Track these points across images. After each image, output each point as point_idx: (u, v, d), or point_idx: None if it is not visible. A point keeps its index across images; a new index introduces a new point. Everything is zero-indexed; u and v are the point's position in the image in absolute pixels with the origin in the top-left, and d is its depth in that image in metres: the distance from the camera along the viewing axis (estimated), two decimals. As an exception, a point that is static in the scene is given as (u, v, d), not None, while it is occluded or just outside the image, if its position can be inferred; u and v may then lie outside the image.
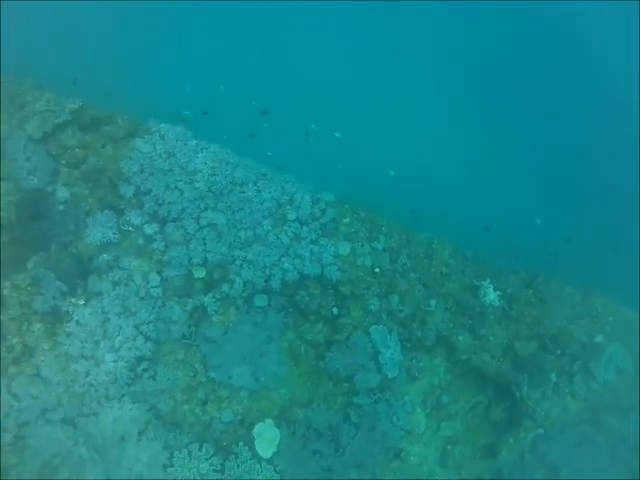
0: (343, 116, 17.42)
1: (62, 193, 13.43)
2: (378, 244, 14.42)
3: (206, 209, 13.66)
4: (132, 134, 14.17)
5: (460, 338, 14.47)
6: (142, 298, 13.04)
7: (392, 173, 16.53)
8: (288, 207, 14.14)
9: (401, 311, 14.10)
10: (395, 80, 18.60)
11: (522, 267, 15.48)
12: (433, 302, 14.40)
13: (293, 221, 14.00)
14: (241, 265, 13.38)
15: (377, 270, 14.17)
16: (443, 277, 14.73)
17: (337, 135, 16.77)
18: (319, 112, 17.11)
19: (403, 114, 18.13)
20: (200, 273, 13.32)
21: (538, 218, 17.26)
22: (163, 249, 13.36)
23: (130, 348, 12.67)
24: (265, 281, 13.36)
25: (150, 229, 13.43)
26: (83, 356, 12.50)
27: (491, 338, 14.60)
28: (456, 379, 14.86)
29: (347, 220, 14.52)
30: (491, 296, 14.64)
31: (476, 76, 19.15)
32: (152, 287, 13.14)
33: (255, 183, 14.16)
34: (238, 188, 13.99)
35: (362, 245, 14.25)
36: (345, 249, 14.06)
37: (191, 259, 13.25)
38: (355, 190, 15.00)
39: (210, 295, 13.33)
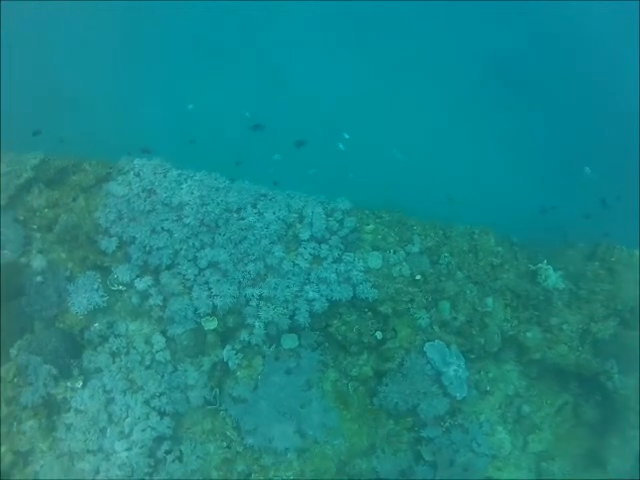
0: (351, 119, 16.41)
1: (38, 262, 12.97)
2: (413, 247, 13.54)
3: (203, 247, 12.83)
4: (103, 178, 13.65)
5: (529, 335, 13.50)
6: (148, 367, 12.31)
7: (396, 152, 15.73)
8: (299, 225, 13.31)
9: (455, 319, 13.22)
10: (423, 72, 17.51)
11: (578, 238, 14.61)
12: (489, 300, 13.46)
13: (308, 240, 13.14)
14: (258, 305, 12.52)
15: (418, 277, 13.30)
16: (495, 269, 13.80)
17: (345, 136, 15.78)
18: (322, 122, 16.36)
19: (419, 102, 17.01)
20: (211, 324, 12.48)
21: (587, 167, 15.82)
22: (162, 304, 12.60)
23: (144, 429, 11.84)
24: (290, 318, 12.54)
25: (142, 284, 12.64)
26: (89, 450, 11.74)
27: (563, 327, 13.53)
28: (533, 383, 13.85)
29: (371, 227, 13.71)
30: (553, 278, 13.64)
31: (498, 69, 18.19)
32: (157, 351, 12.45)
33: (254, 206, 13.36)
34: (235, 215, 13.17)
35: (395, 252, 13.42)
36: (376, 261, 13.21)
37: (197, 309, 12.43)
38: (372, 192, 14.23)
39: (228, 347, 12.59)
